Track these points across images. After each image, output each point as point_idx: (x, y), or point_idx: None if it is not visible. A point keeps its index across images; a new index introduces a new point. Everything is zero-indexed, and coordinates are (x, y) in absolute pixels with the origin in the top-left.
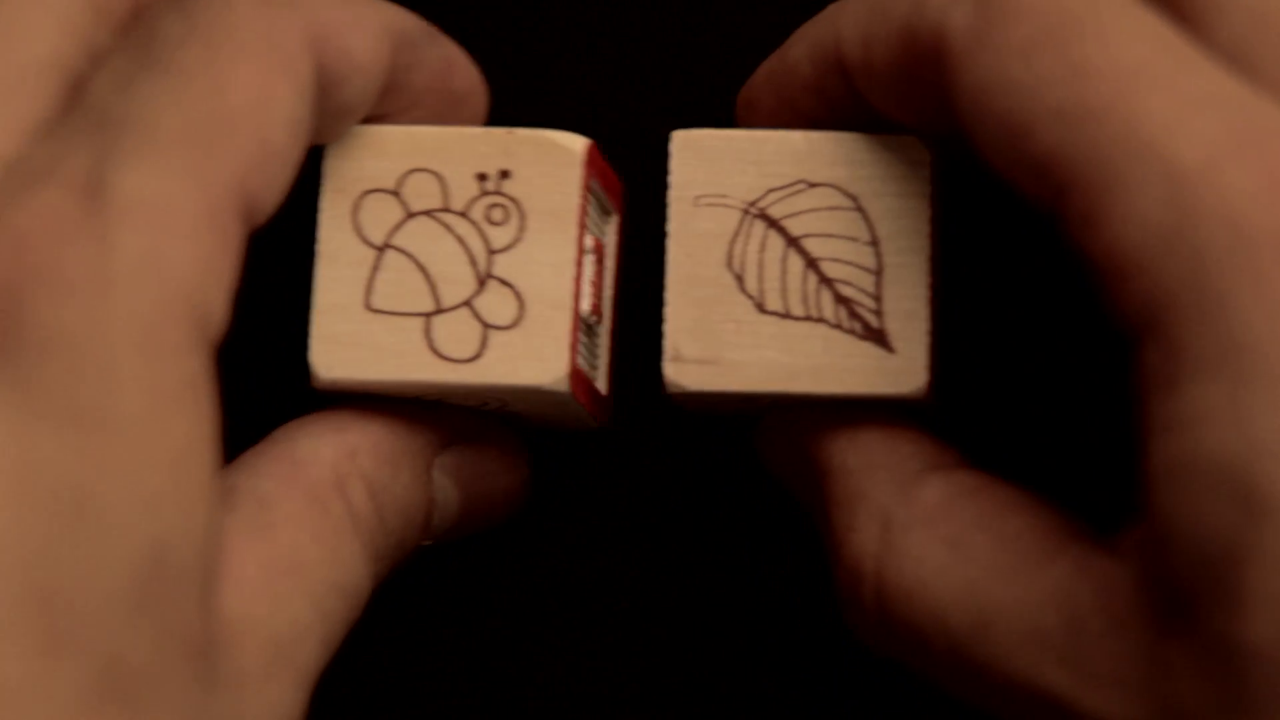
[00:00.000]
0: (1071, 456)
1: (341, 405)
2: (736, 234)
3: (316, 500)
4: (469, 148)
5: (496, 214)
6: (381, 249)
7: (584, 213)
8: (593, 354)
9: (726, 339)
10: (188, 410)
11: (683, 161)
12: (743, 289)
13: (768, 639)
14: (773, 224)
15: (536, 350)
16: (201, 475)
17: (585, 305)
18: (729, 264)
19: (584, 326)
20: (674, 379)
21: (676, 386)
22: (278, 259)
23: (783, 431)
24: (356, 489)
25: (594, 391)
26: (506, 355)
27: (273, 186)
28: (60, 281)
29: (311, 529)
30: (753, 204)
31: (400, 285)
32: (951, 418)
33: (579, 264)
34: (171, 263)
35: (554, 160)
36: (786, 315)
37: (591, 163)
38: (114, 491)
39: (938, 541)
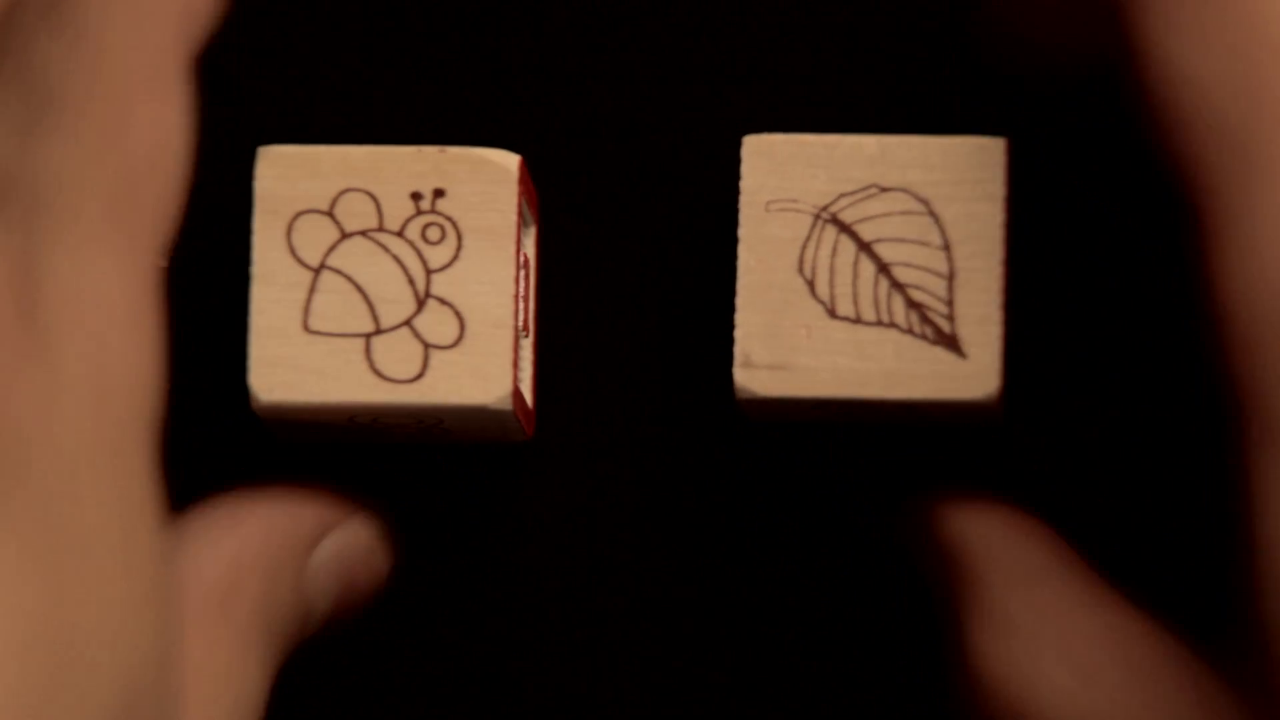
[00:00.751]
0: (1144, 464)
1: (215, 507)
2: (808, 239)
3: (206, 621)
4: (402, 167)
5: (432, 233)
6: (317, 270)
7: (520, 229)
8: (520, 368)
9: (797, 345)
10: (148, 524)
11: (753, 166)
12: (814, 294)
13: (730, 645)
14: (844, 229)
15: (479, 369)
16: (164, 598)
17: (520, 321)
18: (800, 269)
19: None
20: (745, 385)
21: (747, 393)
22: (214, 281)
23: (916, 516)
24: (241, 604)
25: (525, 406)
26: (449, 375)
27: (176, 222)
28: (9, 414)
29: (205, 649)
30: (824, 209)
31: (338, 306)
32: (1021, 425)
33: (516, 280)
34: (115, 361)
35: (488, 178)
36: (858, 320)
37: (522, 178)
38: (90, 632)
39: (1066, 667)
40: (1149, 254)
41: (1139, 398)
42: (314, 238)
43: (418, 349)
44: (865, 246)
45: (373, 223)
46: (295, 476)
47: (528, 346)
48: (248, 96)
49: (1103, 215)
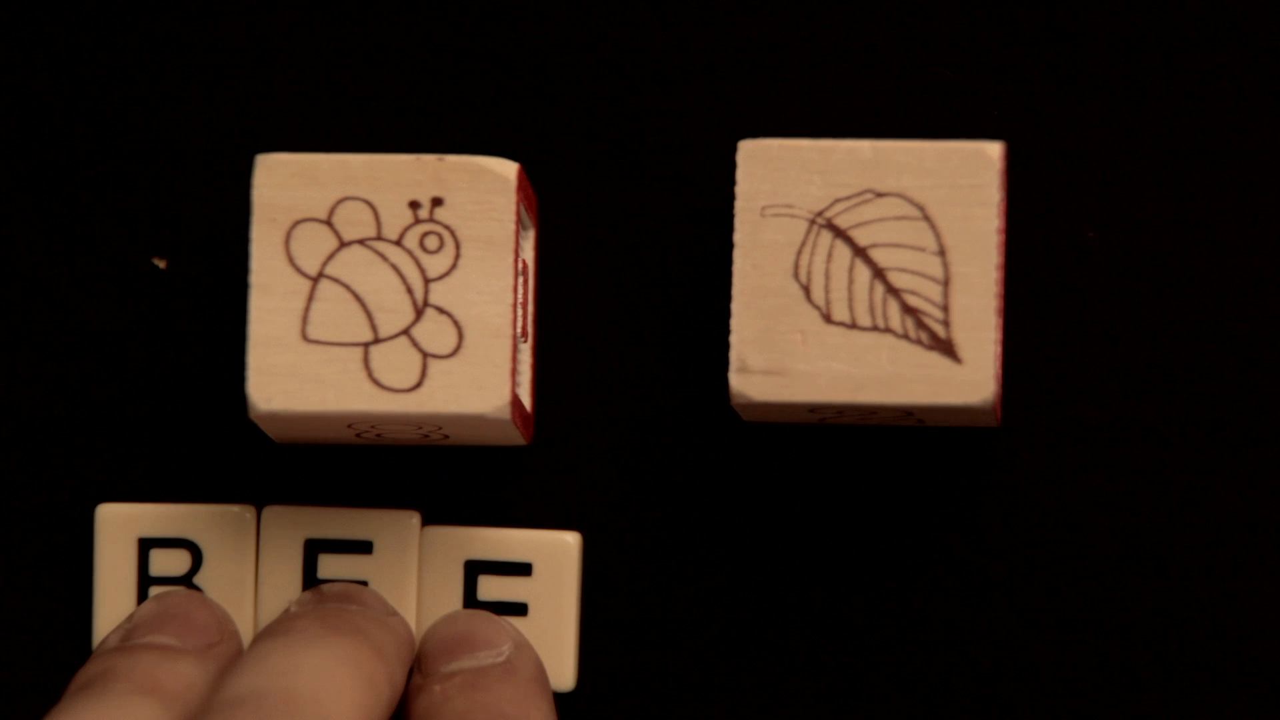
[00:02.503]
0: (1141, 466)
1: None
2: (803, 244)
3: None
4: (400, 175)
5: (431, 242)
6: (316, 279)
7: (518, 237)
8: (519, 373)
9: (793, 350)
10: None
11: (749, 172)
12: (809, 299)
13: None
14: (840, 234)
15: (477, 378)
16: None
17: (518, 327)
18: (795, 274)
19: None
20: (740, 390)
21: (743, 398)
22: (212, 289)
23: None
24: None
25: (524, 412)
26: (447, 384)
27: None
28: None
29: None
30: (819, 214)
31: (337, 315)
32: (1017, 428)
33: (515, 289)
34: None
35: (486, 186)
36: (853, 325)
37: (520, 186)
38: None
39: None
40: (1145, 257)
41: (1135, 401)
42: (312, 246)
43: (416, 358)
44: (861, 251)
45: (371, 231)
46: (294, 480)
47: (526, 351)
48: (246, 105)
49: (1098, 218)
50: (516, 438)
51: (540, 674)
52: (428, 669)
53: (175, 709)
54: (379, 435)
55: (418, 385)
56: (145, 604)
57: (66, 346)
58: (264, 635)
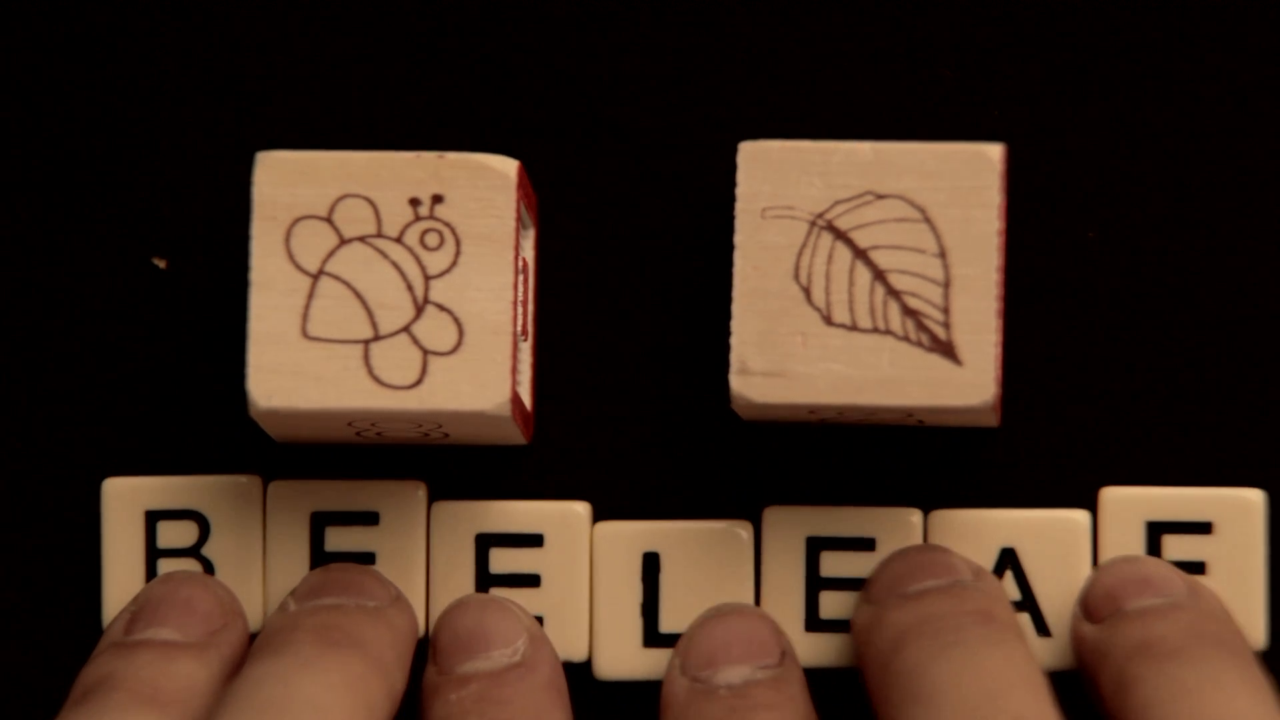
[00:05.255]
0: (1138, 470)
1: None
2: (804, 246)
3: None
4: (400, 173)
5: (431, 239)
6: (316, 276)
7: (518, 235)
8: (519, 371)
9: (793, 352)
10: None
11: (749, 173)
12: (810, 301)
13: None
14: (840, 236)
15: (477, 376)
16: None
17: (518, 325)
18: (796, 276)
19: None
20: (740, 392)
21: (743, 399)
22: (213, 287)
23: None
24: None
25: (524, 410)
26: (447, 381)
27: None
28: None
29: None
30: (820, 215)
31: (337, 312)
32: (1017, 429)
33: (515, 287)
34: None
35: (486, 183)
36: (854, 328)
37: (520, 184)
38: None
39: None
40: (1145, 257)
41: (1135, 401)
42: (312, 244)
43: (416, 355)
44: (861, 253)
45: (371, 228)
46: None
47: (526, 350)
48: (246, 102)
49: (1098, 220)
50: (516, 436)
51: (555, 672)
52: (442, 665)
53: (174, 716)
54: (379, 434)
55: (418, 382)
56: (150, 585)
57: (67, 343)
58: (260, 651)
